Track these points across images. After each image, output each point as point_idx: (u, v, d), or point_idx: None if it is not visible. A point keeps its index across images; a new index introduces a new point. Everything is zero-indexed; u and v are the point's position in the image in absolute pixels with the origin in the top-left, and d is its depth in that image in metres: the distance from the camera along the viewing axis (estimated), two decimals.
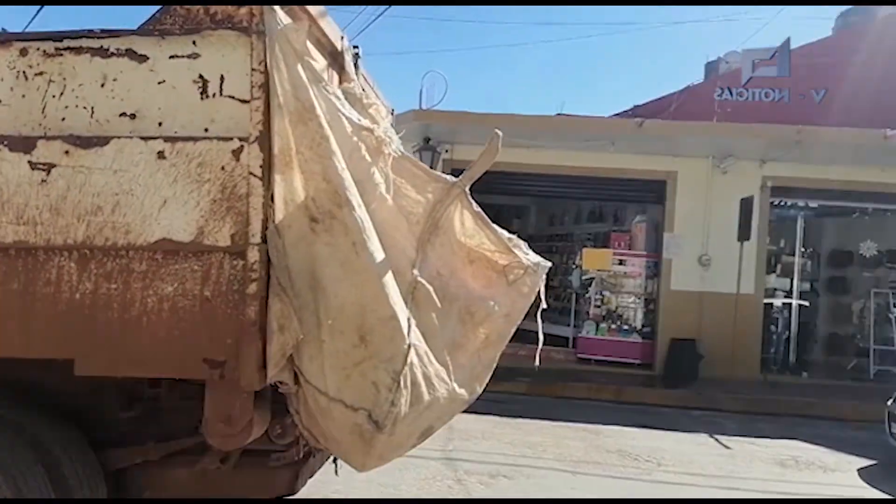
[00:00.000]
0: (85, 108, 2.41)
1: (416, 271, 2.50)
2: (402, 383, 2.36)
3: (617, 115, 14.70)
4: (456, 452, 6.38)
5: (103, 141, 2.38)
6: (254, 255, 2.33)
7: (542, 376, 10.30)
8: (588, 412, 8.66)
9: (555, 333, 12.24)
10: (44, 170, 2.38)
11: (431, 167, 10.81)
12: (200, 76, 2.39)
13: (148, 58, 2.41)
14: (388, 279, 2.39)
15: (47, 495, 2.46)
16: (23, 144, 2.38)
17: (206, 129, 2.38)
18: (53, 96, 2.42)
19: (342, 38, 3.30)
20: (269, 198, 2.35)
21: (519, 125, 10.65)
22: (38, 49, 2.42)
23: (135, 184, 2.37)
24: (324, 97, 2.38)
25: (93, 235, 2.38)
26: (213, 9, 2.38)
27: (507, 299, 2.78)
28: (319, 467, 3.40)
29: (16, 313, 2.40)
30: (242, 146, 2.35)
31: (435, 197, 2.58)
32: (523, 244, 2.98)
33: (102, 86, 2.42)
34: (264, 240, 2.35)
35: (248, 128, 2.35)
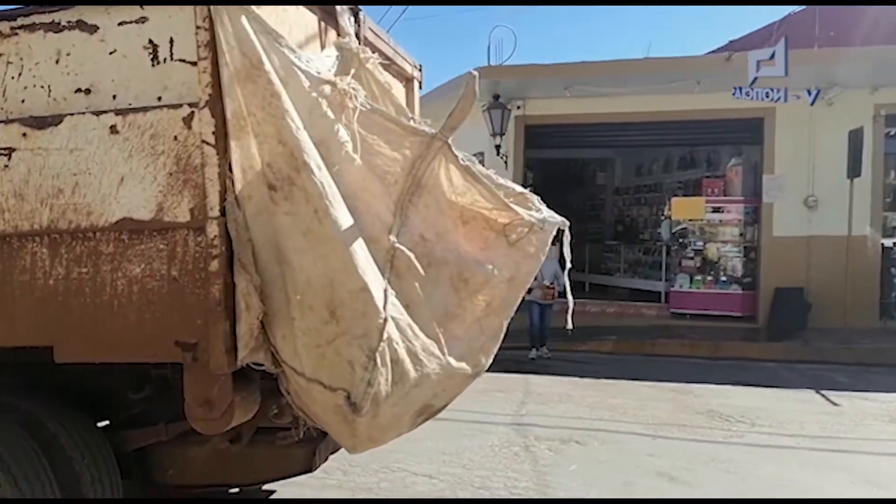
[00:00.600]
0: (42, 87, 2.31)
1: (392, 237, 2.24)
2: (378, 361, 2.14)
3: (711, 52, 13.52)
4: (528, 417, 6.14)
5: (57, 120, 2.27)
6: (213, 229, 2.16)
7: (631, 333, 9.82)
8: (679, 370, 8.14)
9: (645, 289, 11.61)
10: (5, 154, 2.31)
11: (502, 125, 10.54)
12: (150, 41, 2.23)
13: (98, 27, 2.27)
14: (358, 247, 2.15)
15: (48, 482, 2.46)
16: None
17: (160, 98, 2.22)
18: (13, 78, 2.34)
19: None
20: (227, 167, 2.16)
21: (597, 72, 9.98)
22: (19, 32, 2.33)
23: (91, 162, 2.26)
24: (275, 50, 2.15)
25: (56, 219, 2.29)
26: None
27: (508, 261, 2.47)
28: None
29: None
30: (193, 112, 2.18)
31: (413, 153, 2.29)
32: (534, 198, 2.65)
33: (57, 62, 2.30)
34: (223, 213, 2.17)
35: (197, 92, 2.16)
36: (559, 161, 14.11)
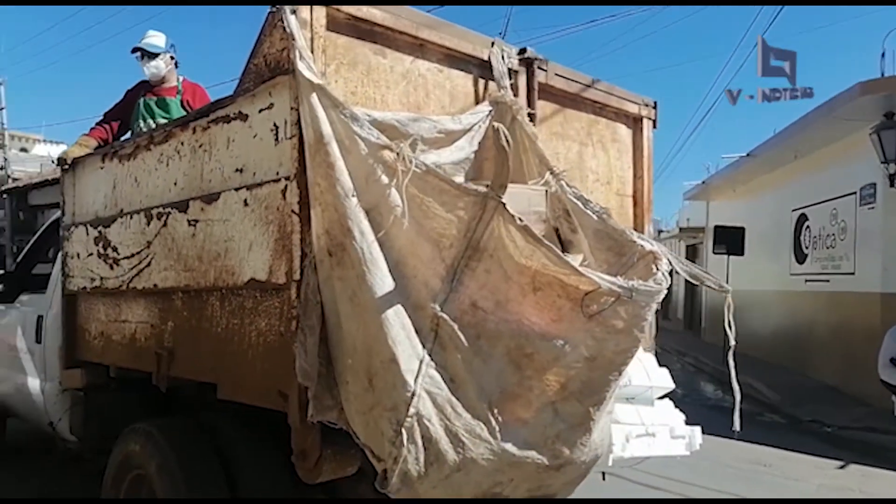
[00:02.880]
0: (219, 168, 2.84)
1: (436, 305, 2.10)
2: (405, 437, 2.02)
3: None
4: None
5: (217, 195, 2.76)
6: (293, 292, 2.35)
7: None
8: None
9: None
10: (192, 224, 2.90)
11: None
12: (274, 124, 2.54)
13: (248, 116, 2.69)
14: (392, 315, 2.08)
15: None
16: (183, 206, 2.95)
17: (277, 174, 2.52)
18: (205, 162, 2.93)
19: (492, 44, 3.05)
20: (308, 234, 2.34)
21: None
22: (198, 125, 2.97)
23: (234, 231, 2.68)
24: (340, 121, 2.25)
25: (218, 278, 2.77)
26: (268, 58, 2.52)
27: (587, 337, 2.07)
28: None
29: (188, 344, 2.98)
30: (287, 185, 2.41)
31: (468, 214, 2.12)
32: (665, 260, 2.18)
33: (227, 147, 2.80)
34: (302, 276, 2.34)
35: (290, 166, 2.40)
36: None
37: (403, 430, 2.02)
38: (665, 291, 2.14)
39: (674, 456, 3.28)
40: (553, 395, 2.12)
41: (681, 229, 23.90)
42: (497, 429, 2.08)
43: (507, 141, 2.04)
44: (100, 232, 3.50)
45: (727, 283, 2.58)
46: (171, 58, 4.53)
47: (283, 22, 2.34)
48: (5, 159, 27.02)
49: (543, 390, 2.11)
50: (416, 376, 2.05)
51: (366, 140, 2.23)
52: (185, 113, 4.34)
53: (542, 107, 3.34)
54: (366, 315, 2.11)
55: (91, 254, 3.57)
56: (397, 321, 2.09)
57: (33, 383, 4.43)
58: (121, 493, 3.22)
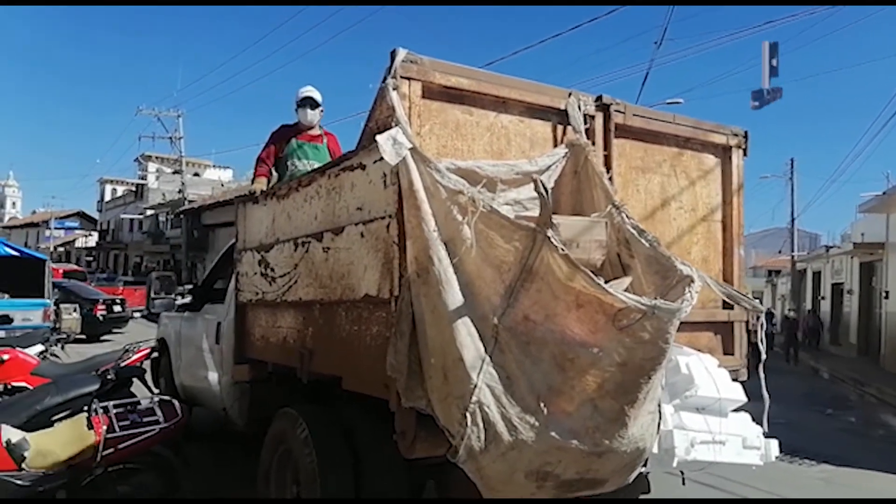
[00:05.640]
0: (346, 207, 3.59)
1: (496, 317, 2.65)
2: (469, 420, 2.58)
3: None
4: None
5: (342, 229, 3.50)
6: (393, 305, 3.01)
7: None
8: None
9: None
10: (326, 251, 3.67)
11: None
12: (384, 173, 3.23)
13: (366, 166, 3.41)
14: (461, 324, 2.66)
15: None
16: (320, 236, 3.73)
17: (384, 212, 3.20)
18: (336, 202, 3.69)
19: (569, 94, 3.55)
20: (404, 259, 2.98)
21: None
22: (332, 172, 3.73)
23: (354, 256, 3.40)
24: (427, 173, 2.87)
25: (343, 293, 3.51)
26: (378, 122, 3.21)
27: (618, 346, 2.51)
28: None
29: (323, 345, 3.74)
30: (390, 221, 3.08)
31: (522, 244, 2.64)
32: (695, 286, 2.59)
33: (351, 190, 3.54)
34: (400, 293, 2.98)
35: (392, 207, 3.07)
36: None
37: (468, 414, 2.58)
38: (687, 311, 2.52)
39: (748, 465, 3.52)
40: (592, 392, 2.57)
41: (855, 245, 22.07)
42: (545, 418, 2.57)
43: (546, 189, 2.55)
44: (262, 256, 4.42)
45: None
46: (321, 111, 5.45)
47: (387, 96, 3.02)
48: (182, 184, 30.88)
49: (584, 389, 2.57)
50: (479, 372, 2.60)
51: (445, 187, 2.83)
52: (330, 156, 5.25)
53: (622, 145, 3.77)
54: (442, 323, 2.70)
55: (256, 273, 4.51)
56: (465, 329, 2.66)
57: (213, 377, 5.51)
58: (273, 463, 4.06)
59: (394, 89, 3.01)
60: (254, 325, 4.66)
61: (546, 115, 3.53)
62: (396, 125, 2.94)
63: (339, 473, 3.58)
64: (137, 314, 19.89)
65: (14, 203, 79.78)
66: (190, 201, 30.54)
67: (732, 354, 4.16)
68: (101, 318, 16.17)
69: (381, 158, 3.21)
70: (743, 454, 3.48)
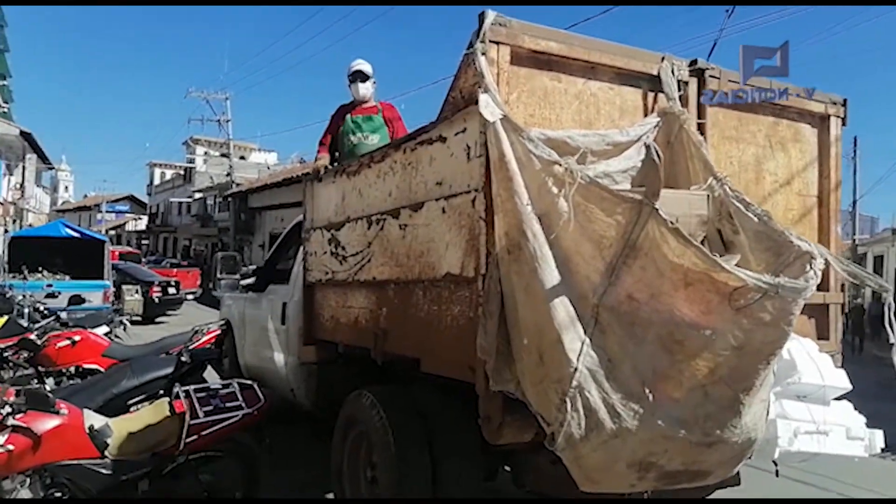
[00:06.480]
0: (423, 182, 3.44)
1: (595, 296, 2.48)
2: (569, 405, 2.43)
3: None
4: None
5: (421, 205, 3.36)
6: (480, 283, 2.86)
7: None
8: None
9: None
10: (403, 228, 3.54)
11: None
12: (467, 145, 3.08)
13: (446, 138, 3.26)
14: (559, 303, 2.50)
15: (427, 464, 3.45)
16: (396, 213, 3.60)
17: (468, 186, 3.04)
18: (412, 177, 3.55)
19: (662, 59, 3.33)
20: (492, 235, 2.83)
21: None
22: (407, 147, 3.59)
23: (434, 233, 3.26)
24: (519, 142, 2.70)
25: (421, 272, 3.38)
26: (463, 91, 3.05)
27: (734, 328, 2.31)
28: None
29: (398, 325, 3.63)
30: (476, 196, 2.92)
31: (625, 218, 2.45)
32: (819, 260, 2.38)
33: (430, 165, 3.40)
34: (487, 271, 2.84)
35: (478, 180, 2.91)
36: None
37: (567, 400, 2.43)
38: (813, 289, 2.30)
39: (851, 456, 3.29)
40: (703, 378, 2.38)
41: None
42: (650, 404, 2.40)
43: (658, 156, 2.36)
44: (332, 234, 4.32)
45: None
46: (374, 82, 5.30)
47: (474, 62, 2.85)
48: (230, 167, 31.27)
49: (693, 374, 2.38)
50: (579, 355, 2.44)
51: (539, 157, 2.66)
52: (385, 125, 5.10)
53: (714, 113, 3.53)
54: (537, 303, 2.55)
55: (325, 252, 4.42)
56: (563, 308, 2.49)
57: (279, 357, 5.47)
58: (346, 446, 3.98)
59: (482, 54, 2.84)
60: (322, 306, 4.58)
61: (636, 82, 3.32)
62: (485, 92, 2.77)
63: (418, 458, 3.47)
64: (190, 296, 20.26)
65: (66, 187, 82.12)
66: (237, 184, 30.90)
67: (827, 339, 3.89)
68: (156, 299, 16.47)
69: (464, 130, 3.07)
70: (847, 445, 3.25)
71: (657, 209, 2.38)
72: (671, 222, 2.36)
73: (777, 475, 3.64)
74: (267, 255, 6.34)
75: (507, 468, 4.11)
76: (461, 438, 3.54)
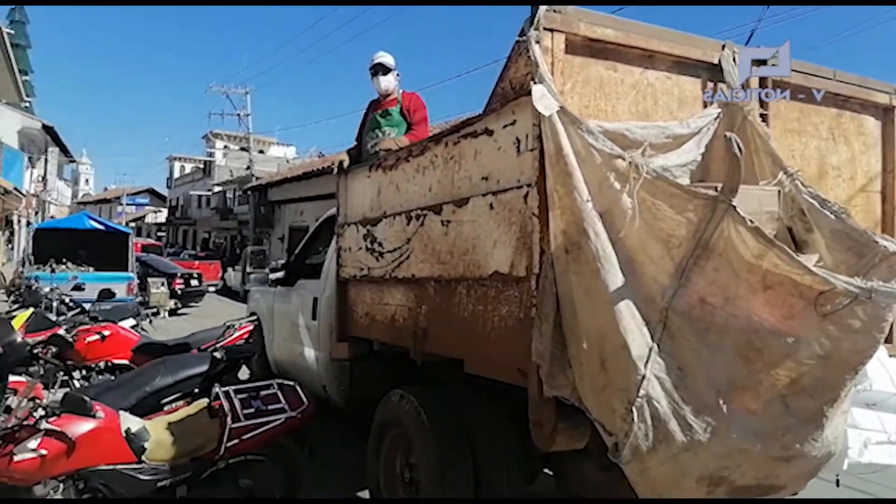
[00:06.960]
0: (468, 177, 3.29)
1: (664, 299, 2.31)
2: (636, 415, 2.27)
3: None
4: None
5: (466, 200, 3.21)
6: (534, 283, 2.70)
7: None
8: None
9: None
10: (445, 224, 3.38)
11: None
12: (516, 138, 2.92)
13: (493, 131, 3.10)
14: (624, 307, 2.34)
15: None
16: (437, 209, 3.45)
17: (518, 181, 2.88)
18: (456, 172, 3.39)
19: (723, 47, 3.15)
20: (546, 233, 2.67)
21: None
22: (450, 140, 3.44)
23: (480, 230, 3.10)
24: (577, 135, 2.54)
25: (466, 270, 3.23)
26: (513, 82, 2.89)
27: (820, 336, 2.14)
28: None
29: (440, 325, 3.48)
30: (528, 191, 2.76)
31: (697, 215, 2.28)
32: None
33: (475, 158, 3.24)
34: (541, 271, 2.68)
35: (531, 175, 2.75)
36: None
37: (634, 409, 2.27)
38: None
39: None
40: (783, 389, 2.21)
41: None
42: (725, 416, 2.23)
43: (740, 148, 2.18)
44: (367, 230, 4.18)
45: None
46: (397, 74, 5.10)
47: (527, 50, 2.69)
48: (250, 160, 31.31)
49: (773, 384, 2.21)
50: (646, 362, 2.28)
51: (600, 151, 2.50)
52: (403, 119, 4.90)
53: (776, 104, 3.33)
54: (599, 306, 2.39)
55: (360, 248, 4.28)
56: (628, 312, 2.33)
57: (309, 353, 5.36)
58: (383, 447, 3.86)
59: (536, 42, 2.67)
60: (357, 302, 4.45)
61: (696, 71, 3.14)
62: (540, 82, 2.61)
63: (461, 461, 3.35)
64: (212, 289, 20.27)
65: (87, 180, 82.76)
66: (256, 178, 30.93)
67: (892, 343, 3.69)
68: (178, 291, 16.48)
69: (513, 122, 2.91)
70: None
71: (734, 206, 2.21)
72: (750, 220, 2.19)
73: (838, 485, 3.46)
74: (296, 249, 6.22)
75: (549, 472, 3.98)
76: (503, 441, 3.43)
